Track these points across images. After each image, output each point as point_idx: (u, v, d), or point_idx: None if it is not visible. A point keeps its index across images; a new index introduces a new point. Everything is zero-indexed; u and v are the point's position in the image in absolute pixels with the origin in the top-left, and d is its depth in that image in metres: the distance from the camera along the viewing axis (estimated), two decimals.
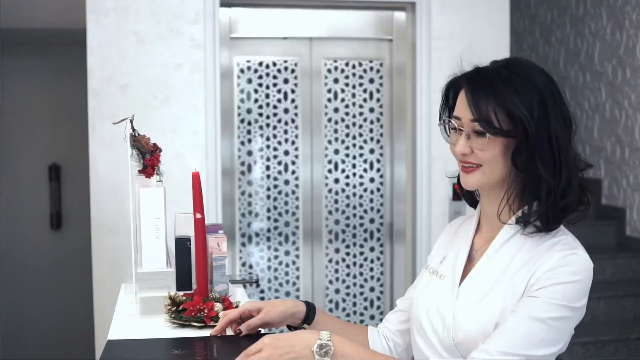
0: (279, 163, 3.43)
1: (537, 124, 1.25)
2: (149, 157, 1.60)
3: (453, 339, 1.28)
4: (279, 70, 3.40)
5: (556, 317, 1.25)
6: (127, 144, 1.54)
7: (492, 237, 1.36)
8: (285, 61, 3.41)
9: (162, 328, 1.42)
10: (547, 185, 1.30)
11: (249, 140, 3.40)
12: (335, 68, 3.44)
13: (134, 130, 1.56)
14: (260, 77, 3.38)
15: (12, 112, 4.41)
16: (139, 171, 1.59)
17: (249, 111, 3.40)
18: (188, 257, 1.52)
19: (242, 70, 3.37)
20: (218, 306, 1.42)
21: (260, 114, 3.40)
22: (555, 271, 1.29)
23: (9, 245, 4.42)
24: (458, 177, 1.39)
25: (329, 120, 3.45)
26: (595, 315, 3.83)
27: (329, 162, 3.46)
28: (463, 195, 1.44)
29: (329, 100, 3.44)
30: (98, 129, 3.03)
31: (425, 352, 1.35)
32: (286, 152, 3.43)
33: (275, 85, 3.40)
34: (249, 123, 3.40)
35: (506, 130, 1.26)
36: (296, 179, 3.44)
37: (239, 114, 3.38)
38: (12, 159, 4.44)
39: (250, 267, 3.44)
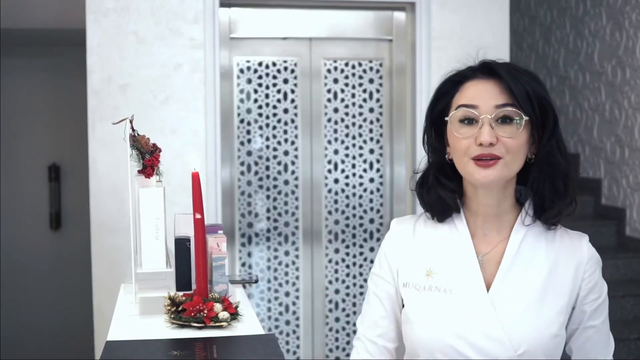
0: (279, 163, 3.43)
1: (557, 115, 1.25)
2: (148, 157, 1.59)
3: (516, 352, 1.22)
4: (278, 71, 3.40)
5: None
6: (126, 144, 1.54)
7: (496, 239, 1.31)
8: (285, 61, 3.41)
9: (161, 328, 1.42)
10: (564, 177, 1.28)
11: (249, 141, 3.40)
12: (335, 68, 3.44)
13: (133, 130, 1.56)
14: (260, 77, 3.39)
15: (11, 112, 4.41)
16: (139, 171, 1.59)
17: (248, 111, 3.40)
18: (188, 258, 1.52)
19: (241, 71, 3.37)
20: (218, 306, 1.42)
21: (260, 114, 3.40)
22: (597, 273, 1.32)
23: (8, 246, 4.42)
24: (421, 181, 1.34)
25: (329, 120, 3.45)
26: None
27: (329, 162, 3.46)
28: (431, 204, 1.33)
29: (329, 100, 3.44)
30: (98, 129, 3.03)
31: None
32: (286, 152, 3.43)
33: (275, 85, 3.40)
34: (249, 123, 3.40)
35: (539, 119, 1.24)
36: (296, 179, 3.44)
37: (239, 114, 3.39)
38: (11, 159, 4.44)
39: (250, 267, 3.44)
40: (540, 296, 1.26)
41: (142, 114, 2.96)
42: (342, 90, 3.44)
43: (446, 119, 1.28)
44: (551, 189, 1.29)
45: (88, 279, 3.14)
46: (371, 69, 3.46)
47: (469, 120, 1.23)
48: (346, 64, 3.44)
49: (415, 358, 1.30)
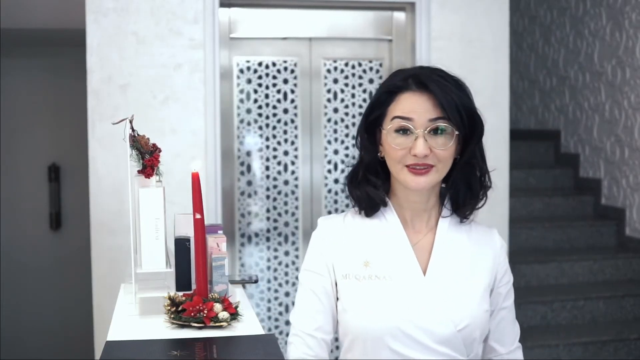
0: (279, 163, 3.43)
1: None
2: (148, 158, 1.59)
3: (456, 327, 1.34)
4: (278, 71, 3.40)
5: None
6: (126, 144, 1.54)
7: (424, 229, 1.43)
8: (285, 61, 3.41)
9: (161, 328, 1.42)
10: (481, 180, 1.42)
11: (249, 141, 3.41)
12: (335, 68, 3.44)
13: (133, 130, 1.56)
14: (260, 77, 3.39)
15: (11, 112, 4.41)
16: (139, 171, 1.59)
17: (248, 111, 3.40)
18: (187, 258, 1.51)
19: (241, 71, 3.37)
20: (218, 306, 1.42)
21: (260, 114, 3.40)
22: (507, 259, 1.49)
23: (8, 246, 4.42)
24: (351, 178, 1.44)
25: (329, 120, 3.45)
26: (595, 315, 3.83)
27: (329, 162, 3.46)
28: (360, 199, 1.43)
29: (329, 100, 3.44)
30: (98, 129, 3.03)
31: (409, 355, 1.35)
32: (286, 152, 3.43)
33: (274, 85, 3.40)
34: (249, 123, 3.40)
35: (467, 129, 1.35)
36: (296, 179, 3.44)
37: (239, 114, 3.39)
38: (11, 158, 4.44)
39: (250, 267, 3.44)
40: (469, 277, 1.40)
41: (141, 114, 2.95)
42: (342, 91, 3.45)
43: (383, 130, 1.37)
44: (467, 188, 1.41)
45: (88, 279, 3.14)
46: (371, 69, 3.46)
47: (404, 131, 1.33)
48: (346, 64, 3.45)
49: (358, 347, 1.38)
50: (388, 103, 1.37)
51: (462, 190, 1.42)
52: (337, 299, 1.43)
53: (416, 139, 1.32)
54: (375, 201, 1.42)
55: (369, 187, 1.42)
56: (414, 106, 1.33)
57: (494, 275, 1.44)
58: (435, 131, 1.32)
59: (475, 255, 1.43)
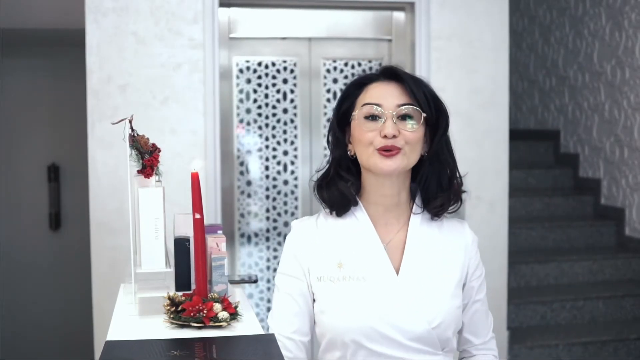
0: (278, 163, 3.43)
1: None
2: (148, 157, 1.59)
3: (430, 325, 1.37)
4: (277, 71, 3.40)
5: None
6: (126, 144, 1.54)
7: (396, 227, 1.45)
8: (284, 61, 3.41)
9: (161, 328, 1.41)
10: (449, 173, 1.45)
11: (248, 141, 3.41)
12: (335, 68, 3.44)
13: (133, 130, 1.56)
14: (259, 77, 3.39)
15: (11, 113, 4.41)
16: (138, 171, 1.59)
17: (248, 111, 3.40)
18: (187, 258, 1.51)
19: (241, 71, 3.38)
20: (217, 306, 1.41)
21: (259, 114, 3.40)
22: (478, 252, 1.51)
23: (8, 246, 4.42)
24: (321, 179, 1.47)
25: (328, 120, 3.44)
26: (595, 315, 3.83)
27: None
28: (331, 199, 1.45)
29: (328, 100, 3.44)
30: (97, 129, 3.03)
31: (386, 353, 1.37)
32: (285, 152, 3.43)
33: (274, 85, 3.40)
34: (248, 123, 3.40)
35: (434, 115, 1.40)
36: (295, 179, 3.45)
37: (238, 114, 3.39)
38: (11, 158, 4.44)
39: (250, 267, 3.44)
40: (441, 274, 1.43)
41: (141, 114, 2.96)
42: (342, 90, 3.44)
43: (352, 119, 1.42)
44: (437, 183, 1.45)
45: (87, 279, 3.14)
46: (370, 69, 3.46)
47: (373, 117, 1.38)
48: (345, 64, 3.45)
49: (335, 347, 1.41)
50: (357, 94, 1.42)
51: (432, 186, 1.44)
52: (314, 300, 1.46)
53: (385, 122, 1.36)
54: (348, 198, 1.44)
55: (341, 182, 1.45)
56: (382, 93, 1.38)
57: (465, 270, 1.46)
58: (404, 117, 1.38)
59: (447, 251, 1.45)
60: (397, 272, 1.41)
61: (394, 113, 1.37)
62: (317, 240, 1.46)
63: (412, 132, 1.37)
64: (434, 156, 1.42)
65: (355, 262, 1.41)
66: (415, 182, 1.48)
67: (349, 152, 1.46)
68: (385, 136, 1.36)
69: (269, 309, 3.46)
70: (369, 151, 1.39)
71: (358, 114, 1.40)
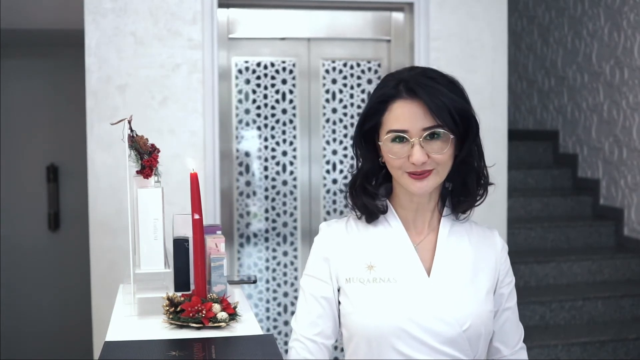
0: (277, 164, 3.43)
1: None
2: (147, 158, 1.59)
3: (461, 327, 1.35)
4: (277, 71, 3.41)
5: None
6: (125, 144, 1.54)
7: (426, 229, 1.44)
8: (283, 62, 3.41)
9: (160, 329, 1.42)
10: (477, 178, 1.42)
11: (247, 141, 3.41)
12: (334, 69, 3.44)
13: (132, 130, 1.56)
14: (259, 77, 3.39)
15: (10, 113, 4.41)
16: (137, 172, 1.59)
17: (247, 111, 3.40)
18: (186, 258, 1.52)
19: (240, 71, 3.38)
20: (216, 307, 1.42)
21: (259, 115, 3.40)
22: (508, 259, 1.49)
23: (7, 246, 4.42)
24: (351, 185, 1.44)
25: (327, 120, 3.45)
26: (594, 315, 3.84)
27: (327, 162, 3.46)
28: (359, 207, 1.43)
29: (327, 100, 3.45)
30: (96, 129, 3.03)
31: (415, 356, 1.35)
32: (284, 153, 3.43)
33: (273, 85, 3.40)
34: (247, 124, 3.40)
35: (462, 130, 1.35)
36: (294, 179, 3.45)
37: (237, 115, 3.39)
38: (10, 159, 4.44)
39: (249, 267, 3.44)
40: (472, 277, 1.40)
41: (140, 114, 2.96)
42: (341, 91, 3.45)
43: (379, 143, 1.38)
44: (464, 186, 1.42)
45: (87, 280, 3.14)
46: (369, 69, 3.46)
47: (400, 139, 1.33)
48: (344, 65, 3.45)
49: (364, 349, 1.38)
50: (381, 112, 1.37)
51: (458, 188, 1.43)
52: (339, 302, 1.44)
53: (412, 147, 1.32)
54: (373, 212, 1.43)
55: (365, 197, 1.43)
56: (406, 116, 1.33)
57: (496, 277, 1.44)
58: (431, 136, 1.33)
59: (477, 257, 1.43)
60: (429, 274, 1.39)
61: (421, 138, 1.32)
62: (347, 243, 1.44)
63: (440, 154, 1.33)
64: (462, 160, 1.39)
65: (386, 263, 1.40)
66: (444, 184, 1.45)
67: (380, 160, 1.42)
68: (413, 163, 1.32)
69: (267, 310, 3.46)
70: (399, 173, 1.36)
71: (384, 137, 1.36)
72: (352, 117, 3.46)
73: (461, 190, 1.43)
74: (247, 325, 1.44)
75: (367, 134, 1.41)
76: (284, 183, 3.44)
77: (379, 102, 1.37)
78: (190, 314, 1.41)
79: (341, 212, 3.48)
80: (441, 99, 1.32)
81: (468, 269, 1.41)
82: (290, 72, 3.41)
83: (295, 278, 3.47)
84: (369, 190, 1.43)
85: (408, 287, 1.37)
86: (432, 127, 1.32)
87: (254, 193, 3.43)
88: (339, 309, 1.44)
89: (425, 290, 1.37)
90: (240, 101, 3.39)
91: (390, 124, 1.35)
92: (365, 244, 1.43)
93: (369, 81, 3.46)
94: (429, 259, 1.41)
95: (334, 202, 3.48)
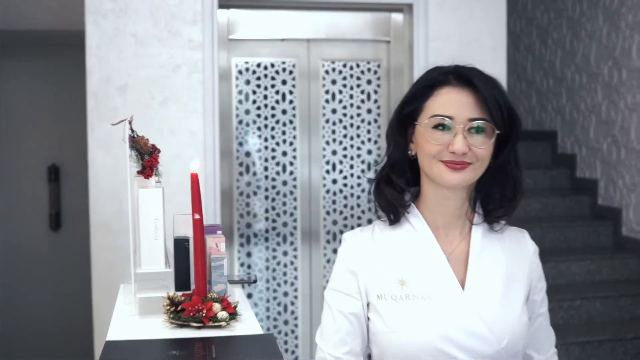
0: (277, 164, 3.44)
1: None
2: (147, 158, 1.59)
3: (500, 344, 1.28)
4: (277, 72, 3.42)
5: None
6: (125, 145, 1.54)
7: (457, 238, 1.35)
8: (283, 62, 3.42)
9: (160, 328, 1.42)
10: (514, 184, 1.35)
11: (247, 141, 3.42)
12: (333, 69, 3.45)
13: (132, 131, 1.57)
14: (259, 78, 3.40)
15: (11, 113, 4.42)
16: (138, 172, 1.59)
17: (247, 112, 3.41)
18: (187, 258, 1.51)
19: (240, 72, 3.39)
20: (217, 306, 1.41)
21: (259, 115, 3.41)
22: (540, 263, 1.43)
23: (8, 246, 4.43)
24: (374, 187, 1.36)
25: (327, 121, 3.46)
26: (592, 315, 3.84)
27: (327, 162, 3.47)
28: (385, 206, 1.35)
29: (327, 101, 3.46)
30: (97, 130, 3.04)
31: None
32: (284, 153, 3.44)
33: (273, 86, 3.41)
34: (247, 124, 3.41)
35: (507, 129, 1.30)
36: (294, 179, 3.46)
37: (237, 115, 3.40)
38: (11, 159, 4.45)
39: (249, 267, 3.45)
40: (507, 289, 1.33)
41: (140, 114, 2.97)
42: (340, 92, 3.46)
43: (418, 124, 1.30)
44: (500, 193, 1.35)
45: (87, 280, 3.15)
46: (369, 70, 3.47)
47: (442, 126, 1.27)
48: (344, 65, 3.46)
49: None
50: (425, 97, 1.30)
51: (494, 196, 1.35)
52: (369, 318, 1.36)
53: (455, 136, 1.26)
54: (396, 206, 1.34)
55: (388, 189, 1.35)
56: (454, 102, 1.27)
57: (529, 284, 1.37)
58: (476, 130, 1.27)
59: (511, 265, 1.35)
60: (462, 288, 1.30)
61: (466, 128, 1.26)
62: (375, 255, 1.35)
63: (481, 148, 1.26)
64: (498, 166, 1.31)
65: (418, 278, 1.31)
66: (476, 190, 1.37)
67: (409, 152, 1.35)
68: (454, 152, 1.26)
69: (268, 309, 3.47)
70: (433, 161, 1.29)
71: (426, 122, 1.29)
72: (351, 117, 3.47)
73: (498, 198, 1.35)
74: (248, 324, 1.42)
75: (403, 120, 1.34)
76: (284, 183, 3.45)
77: (425, 86, 1.31)
78: (191, 314, 1.40)
79: (340, 212, 3.50)
80: (492, 91, 1.28)
81: (502, 280, 1.33)
82: (290, 72, 3.42)
83: (295, 277, 3.48)
84: (394, 182, 1.35)
85: (443, 303, 1.29)
86: (479, 118, 1.26)
87: (254, 193, 3.44)
88: (368, 326, 1.36)
89: (460, 306, 1.29)
90: (240, 102, 3.40)
91: (435, 108, 1.28)
92: (394, 255, 1.35)
93: (369, 82, 3.47)
94: (462, 270, 1.33)
95: (334, 202, 3.49)
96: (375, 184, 1.38)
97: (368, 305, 1.35)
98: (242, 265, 3.44)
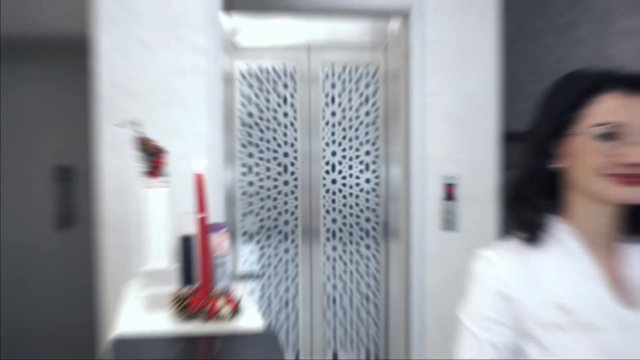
0: (279, 164, 3.47)
1: None
2: (154, 159, 1.63)
3: None
4: (278, 76, 3.45)
5: None
6: (133, 147, 1.57)
7: (610, 260, 1.20)
8: (285, 67, 3.46)
9: (166, 323, 1.44)
10: None
11: (250, 143, 3.45)
12: (333, 73, 3.48)
13: (139, 133, 1.61)
14: (261, 82, 3.43)
15: (17, 116, 4.43)
16: (145, 172, 1.63)
17: (250, 115, 3.44)
18: (191, 255, 1.53)
19: (243, 76, 3.42)
20: (220, 302, 1.44)
21: (261, 118, 3.44)
22: None
23: (15, 246, 4.43)
24: (510, 200, 1.20)
25: (327, 123, 3.50)
26: None
27: (327, 163, 3.51)
28: (520, 222, 1.20)
29: (327, 104, 3.49)
30: (105, 132, 3.06)
31: None
32: (285, 154, 3.48)
33: (275, 90, 3.45)
34: (250, 126, 3.44)
35: None
36: (295, 179, 3.49)
37: (240, 118, 3.44)
38: (19, 160, 4.46)
39: (252, 264, 3.46)
40: None
41: (147, 117, 2.99)
42: (340, 95, 3.49)
43: (574, 135, 1.16)
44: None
45: (91, 279, 3.12)
46: (367, 74, 3.50)
47: (610, 136, 1.13)
48: (343, 70, 3.49)
49: None
50: (582, 104, 1.16)
51: None
52: (522, 349, 1.19)
53: (630, 145, 1.10)
54: (530, 228, 1.19)
55: (523, 207, 1.19)
56: (624, 109, 1.12)
57: None
58: None
59: None
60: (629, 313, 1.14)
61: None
62: (527, 276, 1.18)
63: None
64: None
65: (582, 304, 1.14)
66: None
67: (553, 166, 1.20)
68: (630, 164, 1.09)
69: (269, 305, 3.51)
70: (593, 177, 1.13)
71: (587, 132, 1.14)
72: (350, 119, 3.50)
73: None
74: (250, 320, 1.44)
75: (556, 129, 1.19)
76: (285, 183, 3.48)
77: (583, 90, 1.17)
78: (195, 309, 1.43)
79: (340, 211, 3.53)
80: None
81: None
82: (291, 77, 3.45)
83: (296, 274, 3.50)
84: (531, 200, 1.20)
85: (615, 332, 1.13)
86: None
87: (257, 192, 3.47)
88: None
89: (633, 336, 1.13)
90: (243, 104, 3.42)
91: (598, 117, 1.13)
92: (547, 276, 1.18)
93: (367, 85, 3.50)
94: (623, 295, 1.16)
95: (333, 201, 3.52)
96: (510, 198, 1.23)
97: (524, 334, 1.18)
98: (244, 262, 3.46)
